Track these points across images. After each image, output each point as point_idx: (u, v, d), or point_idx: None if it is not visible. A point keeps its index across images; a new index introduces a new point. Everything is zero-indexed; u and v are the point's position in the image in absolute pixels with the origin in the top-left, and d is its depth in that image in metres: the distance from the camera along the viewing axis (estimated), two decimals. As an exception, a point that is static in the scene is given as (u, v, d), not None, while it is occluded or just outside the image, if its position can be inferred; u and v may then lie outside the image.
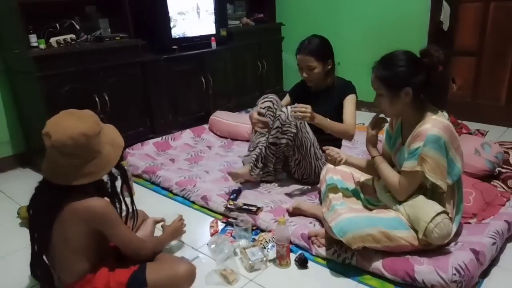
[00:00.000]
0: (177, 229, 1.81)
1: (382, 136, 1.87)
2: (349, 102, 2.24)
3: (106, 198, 1.47)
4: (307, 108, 2.02)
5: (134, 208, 1.61)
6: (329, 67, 2.28)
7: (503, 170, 2.28)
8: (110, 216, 1.40)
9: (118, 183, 1.53)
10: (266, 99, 2.43)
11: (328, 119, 2.14)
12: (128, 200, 1.58)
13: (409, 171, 1.59)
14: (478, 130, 2.97)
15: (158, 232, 1.87)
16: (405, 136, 1.71)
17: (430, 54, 1.58)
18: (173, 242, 1.90)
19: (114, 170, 1.48)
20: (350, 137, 2.21)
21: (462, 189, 1.72)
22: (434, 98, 1.66)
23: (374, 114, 1.82)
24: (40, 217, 1.40)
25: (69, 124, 1.34)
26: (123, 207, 1.56)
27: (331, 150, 1.87)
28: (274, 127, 2.24)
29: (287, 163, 2.40)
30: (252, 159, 2.34)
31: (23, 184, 2.60)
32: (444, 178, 1.57)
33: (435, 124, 1.55)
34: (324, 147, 1.93)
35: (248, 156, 2.44)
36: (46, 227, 1.38)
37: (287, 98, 2.53)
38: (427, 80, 1.60)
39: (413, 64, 1.59)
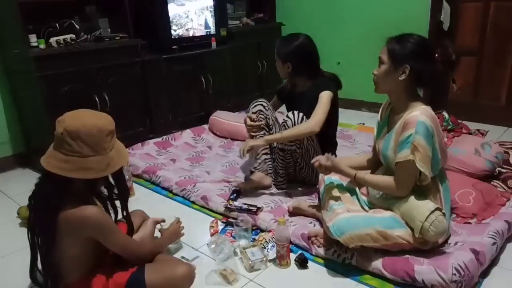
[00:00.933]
0: (175, 232, 1.81)
1: (373, 134, 1.88)
2: (320, 98, 2.18)
3: (99, 206, 1.45)
4: (245, 147, 2.14)
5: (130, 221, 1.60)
6: (289, 69, 2.28)
7: (503, 170, 2.28)
8: (103, 224, 1.40)
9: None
10: (256, 103, 2.43)
11: (282, 132, 2.13)
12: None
13: (403, 161, 1.58)
14: (478, 130, 2.96)
15: (157, 233, 1.87)
16: (391, 123, 1.72)
17: (444, 46, 1.58)
18: (172, 244, 1.90)
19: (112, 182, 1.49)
20: (312, 132, 2.13)
21: (447, 183, 1.71)
22: (430, 95, 1.66)
23: (375, 113, 1.82)
24: (41, 217, 1.40)
25: (86, 116, 1.39)
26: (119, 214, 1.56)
27: (319, 160, 1.83)
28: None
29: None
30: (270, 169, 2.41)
31: (23, 184, 2.60)
32: (429, 169, 1.58)
33: (423, 112, 1.57)
34: (312, 161, 1.89)
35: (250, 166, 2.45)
36: (49, 227, 1.37)
37: (275, 98, 2.56)
38: (428, 71, 1.60)
39: (423, 47, 1.61)
